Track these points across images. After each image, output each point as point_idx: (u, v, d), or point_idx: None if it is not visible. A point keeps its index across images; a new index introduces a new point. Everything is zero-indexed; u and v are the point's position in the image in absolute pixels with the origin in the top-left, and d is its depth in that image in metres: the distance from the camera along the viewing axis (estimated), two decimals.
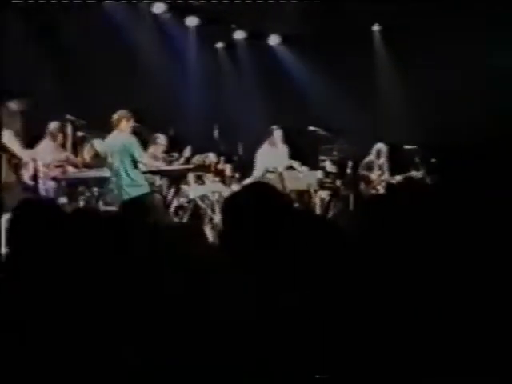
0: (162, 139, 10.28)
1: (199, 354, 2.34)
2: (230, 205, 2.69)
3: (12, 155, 8.17)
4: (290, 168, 10.84)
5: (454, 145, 10.42)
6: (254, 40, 12.57)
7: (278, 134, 10.86)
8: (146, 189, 8.68)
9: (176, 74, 12.04)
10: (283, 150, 10.94)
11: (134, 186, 8.54)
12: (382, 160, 11.35)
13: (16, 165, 8.30)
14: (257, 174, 10.68)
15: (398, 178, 11.17)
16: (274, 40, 12.74)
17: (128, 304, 2.72)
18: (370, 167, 11.39)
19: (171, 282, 2.74)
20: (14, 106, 8.46)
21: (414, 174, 11.07)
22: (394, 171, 11.32)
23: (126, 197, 8.33)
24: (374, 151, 11.41)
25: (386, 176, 11.30)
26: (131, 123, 8.71)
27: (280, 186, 9.76)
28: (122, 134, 8.65)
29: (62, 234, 3.09)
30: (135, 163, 8.56)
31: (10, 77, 8.52)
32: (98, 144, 9.62)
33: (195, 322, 2.40)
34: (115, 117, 8.66)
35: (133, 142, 8.63)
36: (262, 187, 2.75)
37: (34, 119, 8.69)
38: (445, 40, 10.96)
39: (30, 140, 8.87)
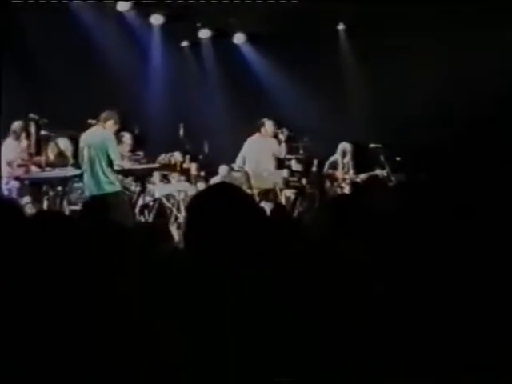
0: (127, 138, 10.22)
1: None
2: (195, 205, 2.66)
3: None
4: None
5: (418, 144, 10.57)
6: (219, 38, 12.57)
7: (269, 125, 10.84)
8: (117, 187, 8.71)
9: (141, 73, 12.02)
10: (272, 142, 10.93)
11: (107, 183, 8.54)
12: (347, 159, 11.56)
13: None
14: (238, 162, 10.71)
15: (363, 176, 11.30)
16: (239, 38, 12.75)
17: (87, 307, 2.68)
18: (334, 166, 11.54)
19: (131, 282, 2.72)
20: None
21: (379, 172, 11.20)
22: (358, 170, 11.46)
23: (98, 192, 8.36)
24: (339, 150, 11.55)
25: (351, 174, 11.42)
26: (116, 127, 8.82)
27: (246, 184, 9.80)
28: (104, 131, 8.69)
29: (22, 236, 3.03)
30: (110, 161, 8.55)
31: None
32: (63, 143, 9.57)
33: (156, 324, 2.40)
34: (104, 115, 8.73)
35: (112, 140, 8.69)
36: (226, 187, 2.76)
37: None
38: (408, 39, 11.08)
39: None
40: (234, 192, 2.66)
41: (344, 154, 11.53)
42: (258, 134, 10.87)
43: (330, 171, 11.49)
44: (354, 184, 11.12)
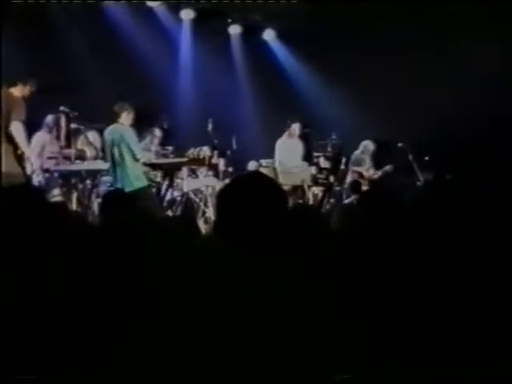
0: (157, 132, 10.45)
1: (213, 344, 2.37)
2: (225, 194, 2.69)
3: (16, 146, 8.27)
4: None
5: (447, 143, 10.61)
6: (249, 34, 12.66)
7: (296, 126, 11.11)
8: (145, 182, 8.75)
9: (171, 68, 12.11)
10: (298, 143, 11.19)
11: (135, 178, 8.57)
12: (366, 156, 11.82)
13: (20, 156, 8.39)
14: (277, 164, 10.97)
15: (379, 173, 11.68)
16: (268, 35, 12.84)
17: (127, 298, 2.77)
18: (359, 163, 11.63)
19: (169, 273, 2.70)
20: (17, 92, 8.54)
21: (389, 168, 11.54)
22: (379, 168, 11.69)
23: (128, 189, 8.34)
24: (360, 147, 11.84)
25: (370, 172, 11.71)
26: (131, 116, 8.73)
27: None
28: (121, 126, 8.69)
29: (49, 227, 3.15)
30: (134, 155, 8.60)
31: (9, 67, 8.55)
32: (92, 136, 9.73)
33: (201, 313, 2.42)
34: (116, 109, 8.69)
35: (131, 134, 8.67)
36: (259, 177, 2.78)
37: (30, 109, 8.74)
38: (440, 38, 11.13)
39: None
40: (263, 181, 2.67)
41: (364, 152, 11.80)
42: (285, 134, 11.12)
43: (356, 168, 11.70)
44: (371, 182, 11.30)
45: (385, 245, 3.09)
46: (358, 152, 11.86)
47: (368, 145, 11.84)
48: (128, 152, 8.57)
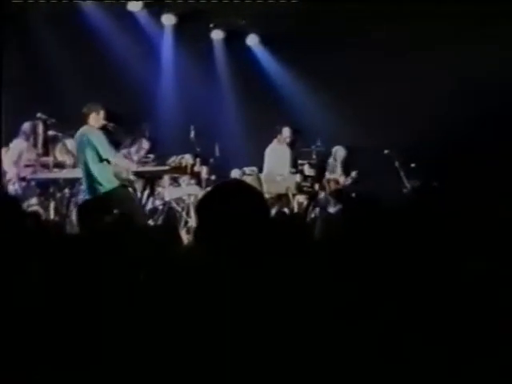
0: (145, 143, 10.27)
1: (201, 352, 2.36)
2: (205, 202, 2.69)
3: None
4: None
5: (434, 150, 10.52)
6: (232, 40, 12.54)
7: (286, 132, 11.08)
8: (114, 183, 8.40)
9: (152, 74, 11.98)
10: (286, 149, 11.15)
11: (104, 180, 8.30)
12: (338, 162, 11.76)
13: None
14: (265, 171, 10.93)
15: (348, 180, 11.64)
16: (252, 40, 12.69)
17: (106, 309, 2.83)
18: (332, 169, 11.80)
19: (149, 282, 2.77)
20: None
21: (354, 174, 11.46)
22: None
23: (92, 194, 8.15)
24: (332, 153, 11.77)
25: (341, 179, 11.73)
26: (101, 116, 8.48)
27: (258, 188, 9.73)
28: (88, 128, 8.43)
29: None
30: (100, 156, 8.29)
31: None
32: (70, 143, 9.51)
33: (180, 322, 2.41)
34: (84, 110, 8.46)
35: (97, 135, 8.36)
36: (239, 184, 2.80)
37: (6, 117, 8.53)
38: (427, 42, 11.03)
39: None
40: (244, 189, 2.68)
41: (335, 158, 11.77)
42: (275, 141, 11.09)
43: (330, 175, 11.67)
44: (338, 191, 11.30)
45: (367, 254, 3.08)
46: (331, 159, 11.80)
47: (339, 150, 11.77)
48: (95, 154, 8.28)
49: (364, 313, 2.62)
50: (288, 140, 11.12)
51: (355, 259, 3.02)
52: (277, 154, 11.06)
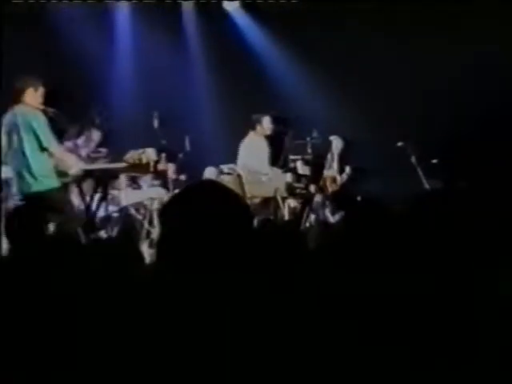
0: (95, 135, 10.27)
1: None
2: (172, 208, 2.71)
3: None
4: None
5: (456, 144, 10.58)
6: (205, 5, 12.53)
7: (266, 121, 10.94)
8: (53, 183, 8.31)
9: (106, 49, 11.96)
10: (263, 142, 11.08)
11: (40, 174, 8.18)
12: (335, 156, 11.98)
13: None
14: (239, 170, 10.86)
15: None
16: (230, 3, 12.56)
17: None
18: (329, 165, 11.99)
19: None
20: None
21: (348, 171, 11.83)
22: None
23: (34, 188, 8.08)
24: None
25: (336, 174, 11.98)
26: (39, 94, 8.33)
27: (239, 191, 9.71)
28: (27, 107, 8.27)
29: None
30: (41, 147, 8.18)
31: None
32: None
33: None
34: (18, 85, 8.31)
35: (41, 120, 8.22)
36: (210, 187, 2.78)
37: None
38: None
39: None
40: (219, 191, 2.68)
41: (332, 151, 11.92)
42: (251, 133, 10.98)
43: (326, 172, 11.82)
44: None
45: (376, 280, 3.02)
46: (330, 154, 11.92)
47: (335, 141, 11.84)
48: (33, 140, 8.15)
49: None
50: (268, 132, 11.01)
51: (359, 288, 2.92)
52: (251, 148, 10.94)
